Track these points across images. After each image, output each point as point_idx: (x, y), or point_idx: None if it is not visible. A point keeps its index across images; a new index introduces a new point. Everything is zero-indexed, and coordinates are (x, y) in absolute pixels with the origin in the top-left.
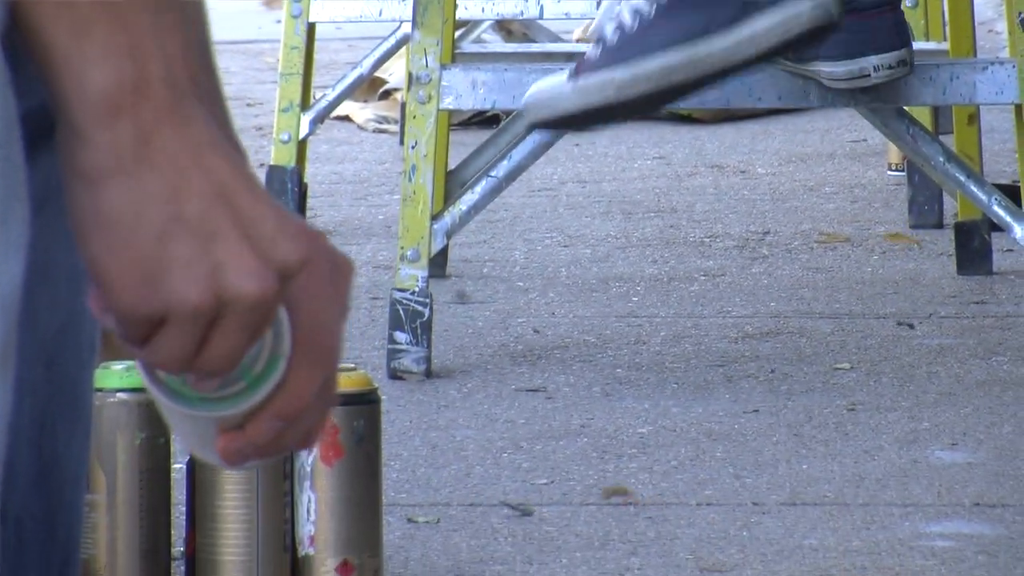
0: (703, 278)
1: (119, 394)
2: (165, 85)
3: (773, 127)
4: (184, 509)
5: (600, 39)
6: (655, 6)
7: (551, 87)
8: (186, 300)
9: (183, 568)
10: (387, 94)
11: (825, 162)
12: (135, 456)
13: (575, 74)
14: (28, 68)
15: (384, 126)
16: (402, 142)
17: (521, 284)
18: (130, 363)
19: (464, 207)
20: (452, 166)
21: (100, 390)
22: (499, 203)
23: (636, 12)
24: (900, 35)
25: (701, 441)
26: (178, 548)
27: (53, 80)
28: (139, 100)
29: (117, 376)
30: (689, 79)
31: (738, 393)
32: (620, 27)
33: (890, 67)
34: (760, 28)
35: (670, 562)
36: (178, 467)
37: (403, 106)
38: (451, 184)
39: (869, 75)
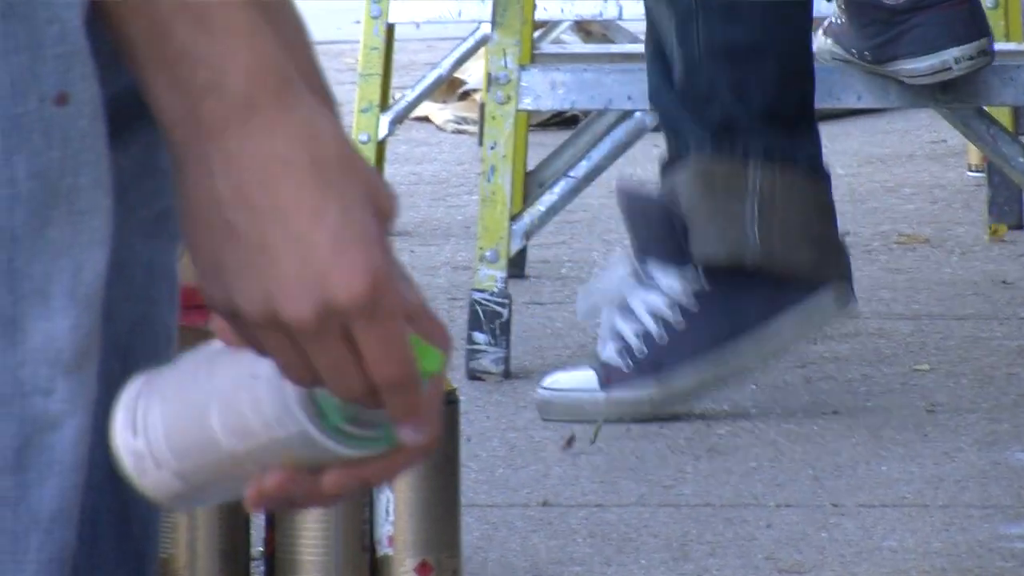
0: None
1: None
2: (242, 94)
3: (852, 128)
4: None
5: (624, 346)
6: (681, 312)
7: (578, 389)
8: (235, 302)
9: (262, 568)
10: (466, 95)
11: (904, 163)
12: None
13: (606, 383)
14: (107, 55)
15: (463, 127)
16: (481, 143)
17: None
18: None
19: (543, 208)
20: (531, 167)
21: None
22: (578, 204)
23: (660, 319)
24: (978, 24)
25: (780, 442)
26: (257, 548)
27: (136, 77)
28: (211, 107)
29: None
30: (720, 382)
31: (817, 394)
32: (647, 335)
33: (971, 58)
34: (786, 325)
35: (748, 563)
36: None
37: (482, 107)
38: (530, 185)
39: (951, 68)
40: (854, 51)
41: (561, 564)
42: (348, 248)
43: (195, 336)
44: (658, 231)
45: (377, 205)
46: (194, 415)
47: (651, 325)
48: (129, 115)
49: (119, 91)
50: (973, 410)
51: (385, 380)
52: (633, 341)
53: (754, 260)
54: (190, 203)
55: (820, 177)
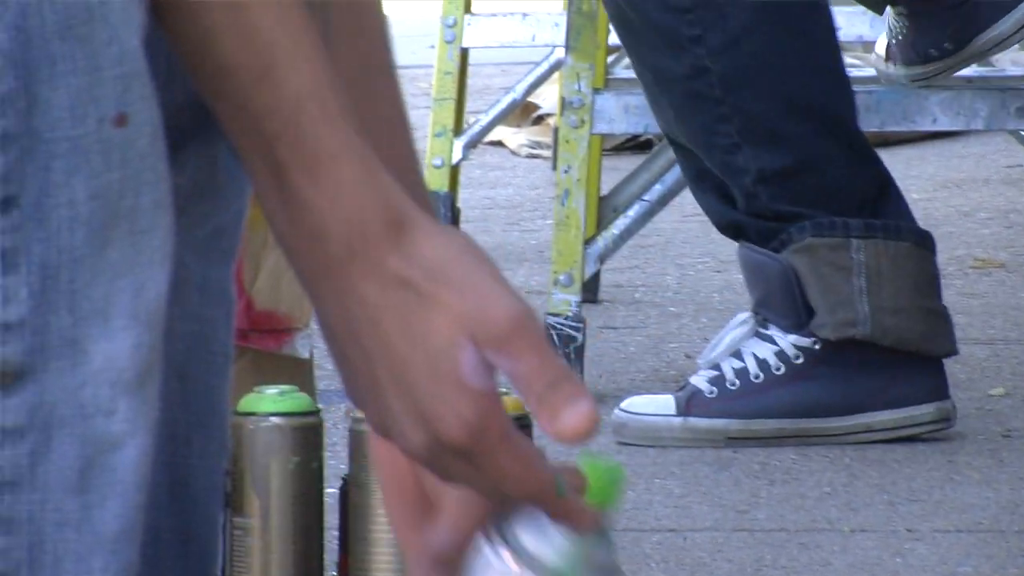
0: None
1: (272, 418)
2: (344, 243)
3: (927, 152)
4: (337, 533)
5: (719, 375)
6: (785, 363)
7: (656, 411)
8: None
9: None
10: (540, 119)
11: (980, 187)
12: (289, 480)
13: (686, 409)
14: (163, 74)
15: (537, 151)
16: (555, 167)
17: (673, 309)
18: (284, 387)
19: (616, 231)
20: (605, 191)
21: (253, 414)
22: (651, 228)
23: (764, 363)
24: None
25: (854, 467)
26: (331, 572)
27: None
28: (317, 250)
29: (271, 400)
30: (798, 440)
31: None
32: (743, 371)
33: None
34: (880, 419)
35: None
36: (331, 491)
37: (556, 131)
38: (604, 209)
39: None
40: (932, 51)
41: None
42: (440, 394)
43: (268, 361)
44: (775, 290)
45: (480, 331)
46: None
47: (752, 365)
48: (184, 133)
49: (174, 110)
50: None
51: (519, 496)
52: (728, 373)
53: (864, 334)
54: (320, 322)
55: (925, 246)
